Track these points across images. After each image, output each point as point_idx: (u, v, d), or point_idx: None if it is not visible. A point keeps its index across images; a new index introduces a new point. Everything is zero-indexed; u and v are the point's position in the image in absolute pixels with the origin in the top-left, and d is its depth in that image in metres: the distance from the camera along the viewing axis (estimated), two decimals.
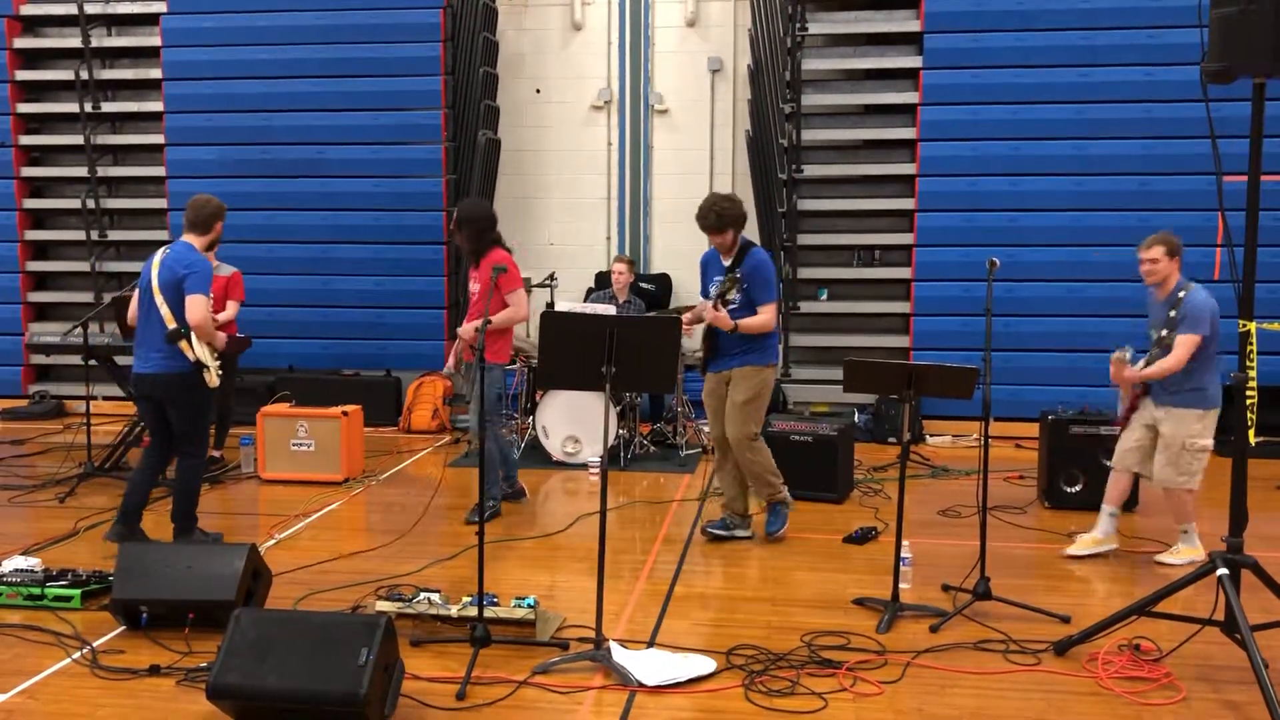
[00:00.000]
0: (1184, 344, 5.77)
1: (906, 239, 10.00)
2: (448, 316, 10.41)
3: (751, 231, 6.15)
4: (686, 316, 6.17)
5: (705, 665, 4.47)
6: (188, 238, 6.00)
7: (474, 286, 6.80)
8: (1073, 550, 6.17)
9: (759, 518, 6.52)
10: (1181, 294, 5.88)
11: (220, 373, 6.01)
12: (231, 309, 8.26)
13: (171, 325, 5.79)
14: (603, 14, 10.75)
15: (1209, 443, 5.92)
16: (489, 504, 6.67)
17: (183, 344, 5.80)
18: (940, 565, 5.84)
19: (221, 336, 6.06)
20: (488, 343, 6.65)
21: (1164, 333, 5.91)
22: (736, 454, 6.22)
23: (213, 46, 10.57)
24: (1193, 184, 9.27)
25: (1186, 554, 6.01)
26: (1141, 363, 6.02)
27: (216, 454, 8.38)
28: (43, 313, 11.21)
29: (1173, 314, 5.87)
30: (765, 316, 6.07)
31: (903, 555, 5.22)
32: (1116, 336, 9.41)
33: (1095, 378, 9.26)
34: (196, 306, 5.76)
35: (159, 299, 5.82)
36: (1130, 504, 7.06)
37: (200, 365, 5.85)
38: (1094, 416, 7.19)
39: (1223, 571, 4.33)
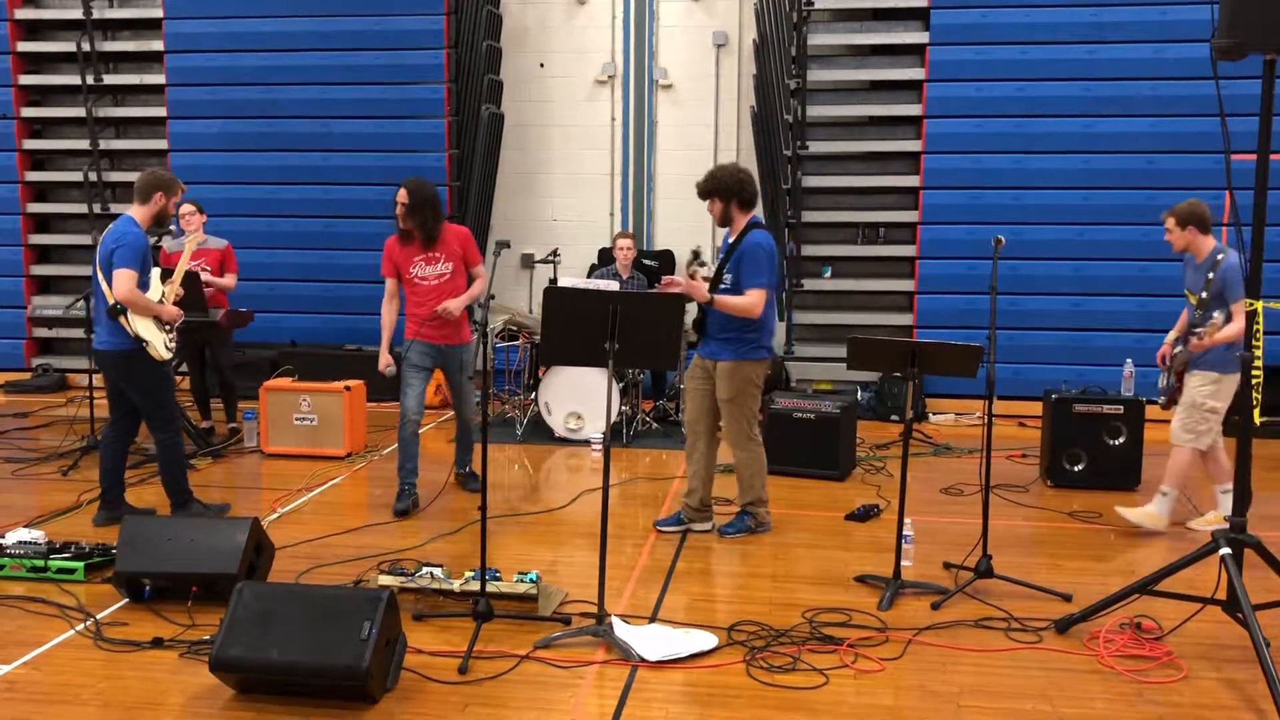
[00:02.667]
0: (1240, 310, 5.74)
1: (911, 216, 9.96)
2: None
3: (755, 208, 5.97)
4: (665, 279, 5.77)
5: (707, 641, 4.48)
6: (131, 209, 5.87)
7: (434, 269, 6.45)
8: (1199, 525, 6.25)
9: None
10: (1220, 257, 5.90)
11: (172, 345, 5.90)
12: (230, 280, 8.26)
13: (110, 300, 5.72)
14: None
15: (1218, 405, 5.96)
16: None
17: (122, 320, 5.69)
18: (942, 543, 5.84)
19: (170, 309, 5.89)
20: (461, 321, 6.59)
21: (1202, 295, 5.94)
22: (730, 450, 6.07)
23: (215, 19, 10.51)
24: (1200, 162, 9.22)
25: (1151, 519, 6.12)
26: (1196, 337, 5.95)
27: (206, 425, 8.40)
28: (45, 286, 11.21)
29: (1210, 276, 5.89)
30: (748, 299, 5.66)
31: (905, 533, 5.22)
32: (1122, 316, 9.52)
33: (1099, 356, 9.28)
34: (120, 281, 5.62)
35: (99, 274, 5.77)
36: (1132, 483, 7.07)
37: (141, 341, 5.74)
38: (1097, 395, 7.18)
39: (1225, 551, 4.33)
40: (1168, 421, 9.18)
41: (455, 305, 6.44)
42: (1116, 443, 7.06)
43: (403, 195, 6.36)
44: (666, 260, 10.52)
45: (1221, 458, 6.13)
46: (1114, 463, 7.05)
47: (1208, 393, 5.95)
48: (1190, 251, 6.08)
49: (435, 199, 6.42)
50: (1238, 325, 5.74)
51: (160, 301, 5.89)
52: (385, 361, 6.58)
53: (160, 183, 5.88)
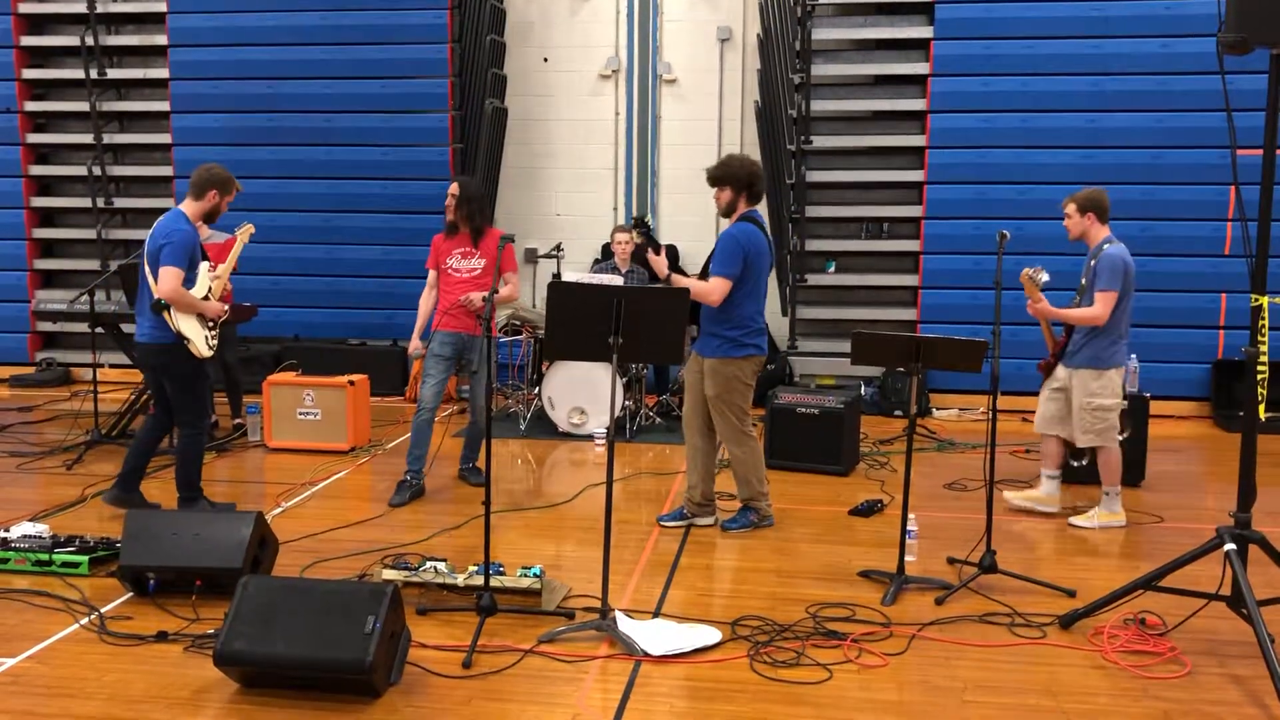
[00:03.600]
0: (1103, 300, 5.94)
1: (915, 211, 9.94)
2: None
3: (759, 203, 5.97)
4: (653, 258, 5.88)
5: (710, 636, 4.48)
6: (184, 204, 5.91)
7: (467, 264, 6.65)
8: (1012, 496, 6.47)
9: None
10: (1107, 247, 6.05)
11: (214, 342, 5.93)
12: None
13: (155, 295, 5.74)
14: None
15: (1108, 401, 6.09)
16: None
17: (165, 315, 5.72)
18: (946, 538, 5.84)
19: (214, 306, 5.92)
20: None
21: (1082, 281, 6.11)
22: (726, 447, 6.07)
23: (219, 13, 10.51)
24: (1206, 157, 9.21)
25: (1101, 518, 6.17)
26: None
27: (210, 419, 8.38)
28: (49, 280, 11.21)
29: (1092, 264, 6.05)
30: (705, 285, 5.68)
31: (908, 528, 5.21)
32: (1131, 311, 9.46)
33: None
34: (166, 278, 5.65)
35: (147, 268, 5.79)
36: (1136, 478, 7.06)
37: (183, 337, 5.77)
38: None
39: (1230, 546, 4.32)
40: (1173, 416, 9.29)
41: (478, 295, 6.56)
42: (1120, 438, 7.02)
43: (454, 188, 6.71)
44: (669, 255, 10.48)
45: (1114, 461, 6.21)
46: None
47: (1094, 390, 6.07)
48: (1084, 239, 6.19)
49: (484, 198, 6.82)
50: (1094, 311, 5.95)
51: (206, 297, 5.91)
52: (414, 346, 6.84)
53: (216, 180, 5.91)
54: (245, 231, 6.42)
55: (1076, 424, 6.16)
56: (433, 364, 6.61)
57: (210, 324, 5.94)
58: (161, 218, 5.88)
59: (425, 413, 6.60)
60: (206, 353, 5.88)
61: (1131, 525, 6.24)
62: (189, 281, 5.81)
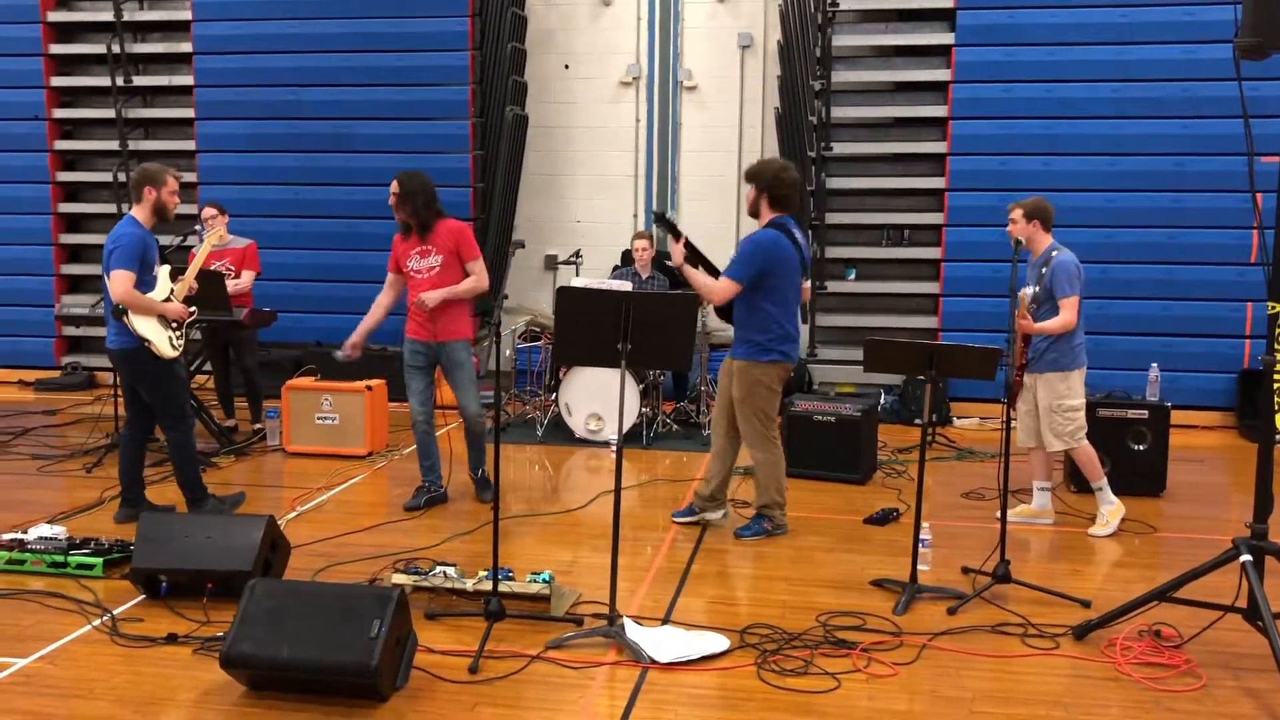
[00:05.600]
0: (1068, 305, 6.01)
1: (936, 218, 9.89)
2: None
3: (786, 211, 5.98)
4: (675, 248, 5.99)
5: (718, 643, 4.46)
6: (132, 209, 5.90)
7: (425, 262, 6.42)
8: (1012, 514, 6.30)
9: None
10: (1055, 254, 6.10)
11: (179, 343, 5.93)
12: (246, 279, 8.31)
13: (113, 299, 5.76)
14: None
15: (1075, 401, 6.13)
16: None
17: (125, 319, 5.72)
18: (961, 548, 5.79)
19: (174, 307, 5.90)
20: (452, 317, 6.47)
21: (1034, 289, 6.13)
22: (749, 451, 6.06)
23: (242, 20, 10.59)
24: (1231, 164, 9.07)
25: (1111, 516, 6.18)
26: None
27: (230, 423, 8.45)
28: (75, 285, 11.32)
29: (1044, 270, 6.08)
30: (714, 284, 5.81)
31: (922, 537, 5.17)
32: (1148, 320, 9.40)
33: (1125, 360, 9.15)
34: (117, 282, 5.66)
35: (104, 274, 5.82)
36: (1157, 488, 6.98)
37: (144, 339, 5.76)
38: (1121, 400, 7.09)
39: (1246, 558, 4.26)
40: (1194, 426, 9.18)
41: (431, 296, 6.34)
42: (1141, 448, 6.96)
43: (394, 186, 6.40)
44: (690, 251, 10.46)
45: (1048, 457, 6.29)
46: (1138, 468, 6.95)
47: (1060, 393, 6.09)
48: (1028, 248, 6.21)
49: (426, 189, 6.38)
50: (1066, 318, 5.99)
51: (169, 299, 5.93)
52: (349, 343, 6.65)
53: (145, 177, 5.89)
54: (214, 234, 6.77)
55: (1046, 427, 6.16)
56: (408, 375, 6.54)
57: (174, 325, 5.94)
58: (116, 224, 5.90)
59: (419, 426, 6.55)
60: (171, 353, 5.87)
61: (1148, 535, 6.18)
62: (147, 285, 5.82)
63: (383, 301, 6.71)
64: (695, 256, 6.14)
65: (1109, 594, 5.05)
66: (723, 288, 5.78)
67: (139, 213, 5.88)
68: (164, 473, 7.04)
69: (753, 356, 5.83)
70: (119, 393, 8.00)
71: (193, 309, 6.08)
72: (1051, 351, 6.09)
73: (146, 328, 5.79)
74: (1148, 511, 6.56)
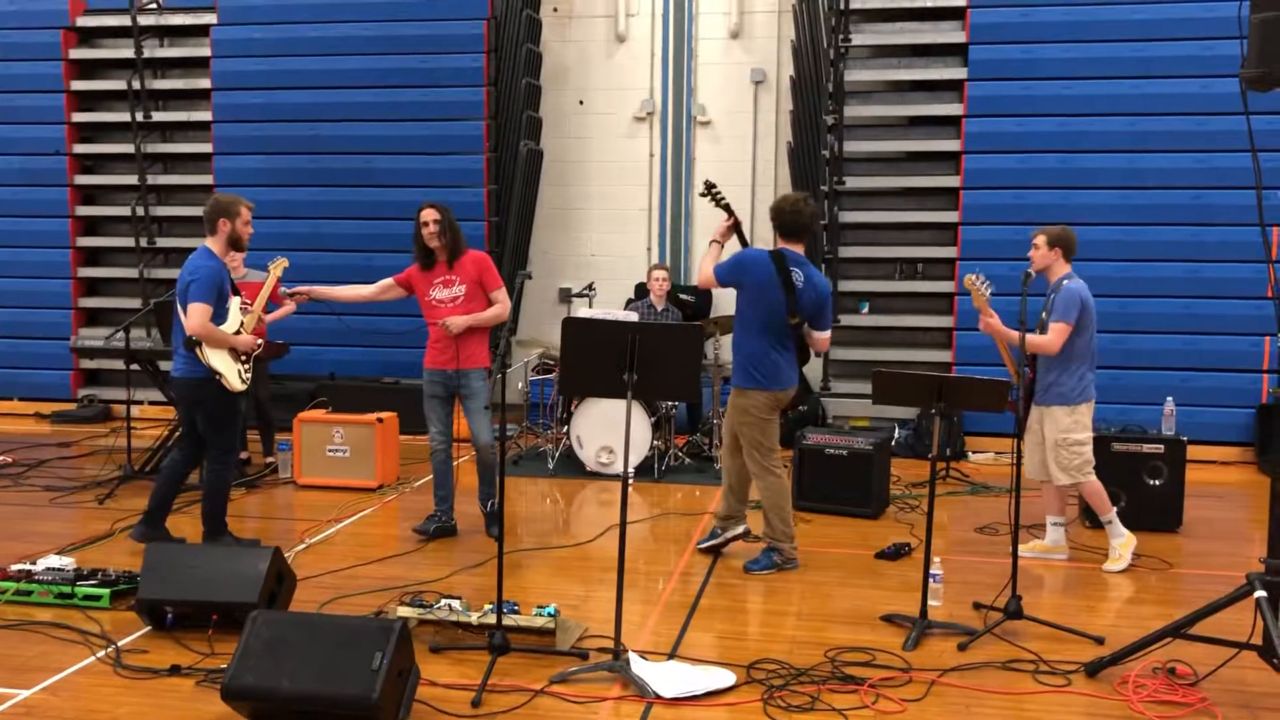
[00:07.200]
0: (1055, 330, 5.97)
1: (950, 252, 9.87)
2: None
3: (797, 242, 6.05)
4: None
5: (725, 679, 4.41)
6: (206, 241, 5.99)
7: (449, 292, 6.45)
8: (1020, 549, 6.14)
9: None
10: (1066, 283, 6.08)
11: (247, 376, 6.00)
12: (284, 310, 8.31)
13: (187, 331, 5.82)
14: (646, 26, 10.75)
15: (1082, 435, 6.07)
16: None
17: (197, 351, 5.79)
18: (973, 583, 5.72)
19: (245, 340, 5.99)
20: (473, 344, 6.49)
21: (1043, 315, 6.12)
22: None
23: (261, 57, 10.73)
24: (1248, 198, 9.03)
25: (1123, 549, 6.11)
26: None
27: (243, 455, 8.45)
28: (93, 318, 11.41)
29: (1052, 296, 6.09)
30: (707, 270, 6.03)
31: (933, 572, 5.12)
32: (1165, 354, 9.33)
33: (1141, 394, 9.09)
34: (194, 314, 5.74)
35: (179, 306, 5.89)
36: (1174, 524, 6.90)
37: (215, 371, 5.83)
38: (1136, 434, 7.02)
39: (1261, 594, 4.18)
40: (1213, 462, 9.08)
41: (456, 321, 6.36)
42: (1156, 483, 6.88)
43: (434, 214, 6.38)
44: (705, 296, 10.48)
45: (1061, 492, 6.22)
46: (1154, 503, 6.87)
47: (1066, 426, 6.03)
48: (1045, 274, 6.20)
49: (456, 221, 6.52)
50: (1047, 339, 5.95)
51: (238, 331, 5.98)
52: (302, 288, 6.69)
53: (219, 209, 5.96)
54: (278, 265, 6.50)
55: (1052, 461, 6.09)
56: (427, 405, 6.56)
57: (243, 358, 6.00)
58: (190, 256, 5.97)
59: (437, 454, 6.58)
60: (240, 386, 5.95)
61: (1163, 571, 6.09)
62: (221, 316, 5.89)
63: (363, 291, 6.82)
64: (740, 239, 6.25)
65: (1123, 631, 4.97)
66: (705, 276, 6.05)
67: (214, 244, 5.95)
68: (186, 499, 6.89)
69: (738, 382, 5.93)
70: (131, 426, 8.08)
71: (259, 341, 6.13)
72: (1057, 384, 6.04)
73: (219, 360, 5.85)
74: (1163, 547, 6.48)
